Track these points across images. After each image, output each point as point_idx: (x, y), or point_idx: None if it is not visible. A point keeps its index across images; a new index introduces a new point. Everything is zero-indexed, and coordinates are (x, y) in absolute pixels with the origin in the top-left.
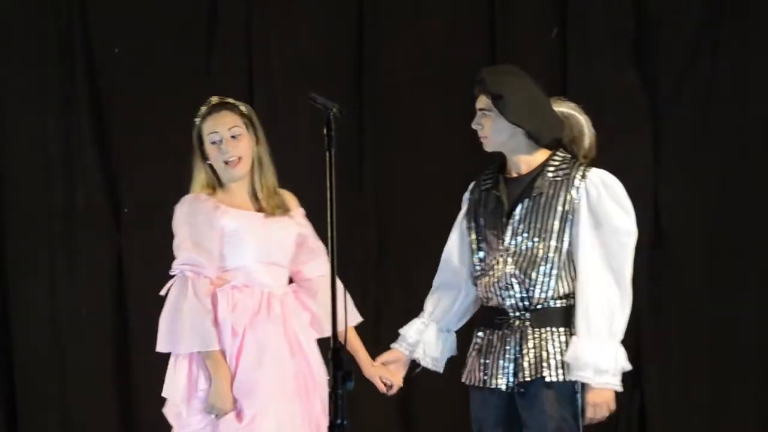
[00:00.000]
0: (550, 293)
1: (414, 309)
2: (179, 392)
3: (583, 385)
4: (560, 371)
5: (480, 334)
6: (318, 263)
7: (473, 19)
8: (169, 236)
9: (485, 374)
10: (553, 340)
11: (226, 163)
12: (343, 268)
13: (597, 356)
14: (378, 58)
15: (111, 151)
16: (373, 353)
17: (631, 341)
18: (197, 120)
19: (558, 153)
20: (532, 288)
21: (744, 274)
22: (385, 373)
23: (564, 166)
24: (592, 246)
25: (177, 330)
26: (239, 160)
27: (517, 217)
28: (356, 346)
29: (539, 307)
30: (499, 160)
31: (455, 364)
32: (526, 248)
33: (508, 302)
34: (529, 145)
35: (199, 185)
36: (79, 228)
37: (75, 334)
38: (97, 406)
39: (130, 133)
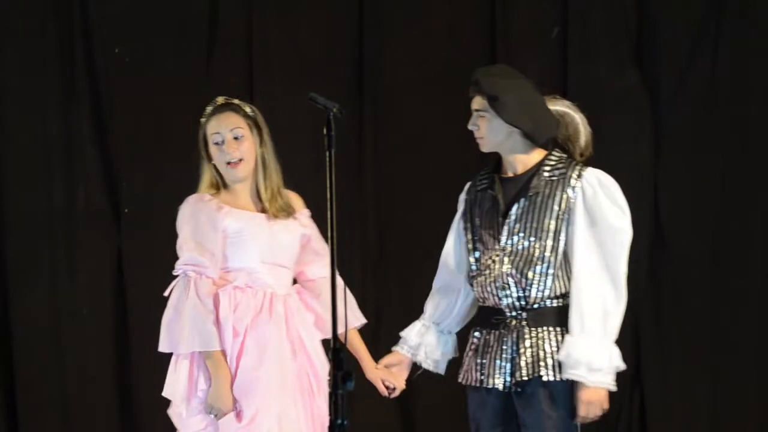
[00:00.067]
0: (546, 293)
1: (414, 309)
2: (179, 392)
3: (574, 383)
4: (557, 370)
5: (476, 334)
6: (322, 264)
7: (473, 19)
8: (169, 236)
9: (482, 374)
10: (549, 340)
11: (228, 164)
12: (343, 268)
13: (591, 355)
14: (378, 58)
15: (111, 151)
16: (373, 353)
17: (631, 341)
18: (203, 120)
19: (554, 153)
20: (528, 287)
21: (744, 274)
22: (388, 376)
23: (560, 165)
24: (587, 245)
25: (178, 330)
26: (241, 161)
27: (513, 217)
28: (359, 348)
29: (536, 306)
30: (494, 160)
31: (456, 364)
32: (523, 248)
33: (504, 302)
34: (526, 145)
35: (204, 185)
36: (79, 228)
37: (75, 334)
38: (97, 406)
39: (130, 133)
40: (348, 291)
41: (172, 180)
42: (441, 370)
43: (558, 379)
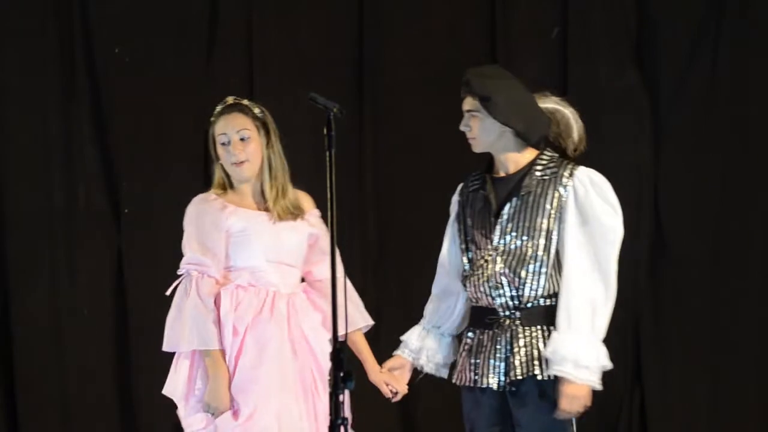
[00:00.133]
0: (540, 291)
1: (414, 309)
2: (178, 390)
3: (558, 378)
4: None
5: (470, 334)
6: (329, 264)
7: (473, 19)
8: (169, 236)
9: (476, 374)
10: (544, 339)
11: (234, 164)
12: (343, 267)
13: (577, 351)
14: (378, 58)
15: (111, 151)
16: (373, 352)
17: (631, 341)
18: (212, 119)
19: (546, 152)
20: (521, 287)
21: (744, 274)
22: (391, 379)
23: (552, 164)
24: (578, 243)
25: (179, 329)
26: (247, 162)
27: (505, 216)
28: (363, 350)
29: (529, 305)
30: (486, 161)
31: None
32: (515, 247)
33: (498, 301)
34: (518, 144)
35: (214, 184)
36: (79, 228)
37: (75, 334)
38: (97, 406)
39: (130, 133)
40: (355, 292)
41: (172, 180)
42: (443, 373)
43: (553, 377)
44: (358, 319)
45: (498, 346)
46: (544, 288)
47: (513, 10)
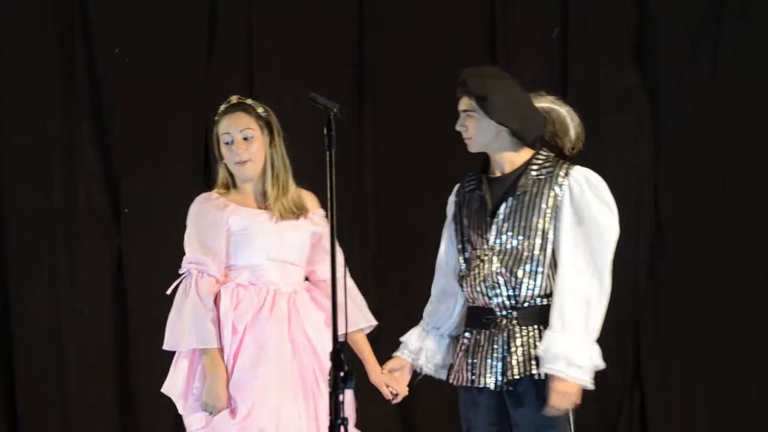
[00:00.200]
0: (536, 291)
1: (414, 309)
2: (177, 389)
3: (549, 376)
4: None
5: (467, 334)
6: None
7: (473, 19)
8: (169, 236)
9: (473, 374)
10: (541, 338)
11: (237, 163)
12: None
13: (570, 350)
14: (378, 58)
15: (111, 151)
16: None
17: (631, 341)
18: (216, 119)
19: (542, 152)
20: (518, 286)
21: (744, 274)
22: (391, 381)
23: (548, 164)
24: (573, 242)
25: (178, 328)
26: (249, 161)
27: (501, 216)
28: (364, 350)
29: (526, 305)
30: (482, 161)
31: None
32: (512, 247)
33: (494, 301)
34: (514, 144)
35: (219, 183)
36: (79, 228)
37: (75, 334)
38: (97, 406)
39: (130, 133)
40: (358, 292)
41: (172, 180)
42: (442, 374)
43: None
44: (359, 319)
45: (495, 346)
46: (540, 287)
47: (513, 10)
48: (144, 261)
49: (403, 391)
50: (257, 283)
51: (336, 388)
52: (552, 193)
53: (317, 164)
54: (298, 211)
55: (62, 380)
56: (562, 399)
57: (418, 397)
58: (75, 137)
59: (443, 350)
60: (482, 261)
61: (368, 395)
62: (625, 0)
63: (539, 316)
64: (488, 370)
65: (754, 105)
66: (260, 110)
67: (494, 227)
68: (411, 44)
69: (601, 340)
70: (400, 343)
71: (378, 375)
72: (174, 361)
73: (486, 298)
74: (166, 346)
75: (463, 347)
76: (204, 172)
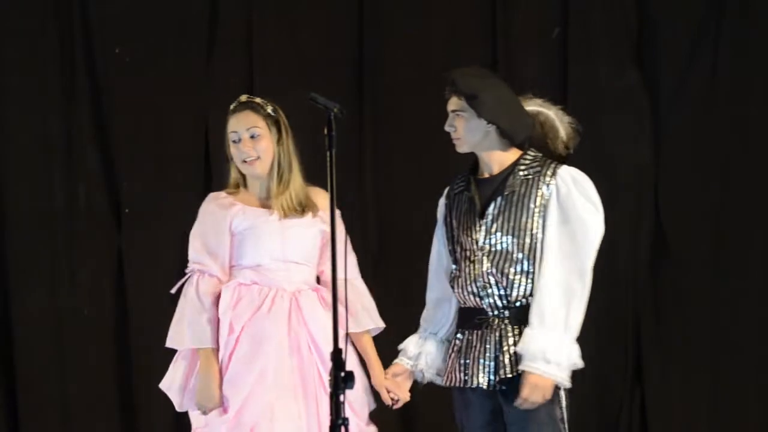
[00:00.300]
0: (527, 290)
1: (414, 309)
2: (175, 386)
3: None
4: None
5: (459, 335)
6: (342, 264)
7: (473, 19)
8: (169, 236)
9: (465, 374)
10: None
11: (244, 161)
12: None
13: (547, 348)
14: (378, 58)
15: (111, 151)
16: None
17: (631, 341)
18: (227, 118)
19: (529, 152)
20: (509, 286)
21: (744, 274)
22: (394, 386)
23: (535, 164)
24: (558, 240)
25: (177, 327)
26: (257, 159)
27: (490, 217)
28: (369, 353)
29: (518, 304)
30: (471, 162)
31: None
32: (501, 247)
33: (486, 301)
34: (502, 144)
35: (230, 183)
36: (79, 228)
37: (76, 334)
38: (98, 406)
39: (130, 133)
40: (367, 293)
41: (172, 180)
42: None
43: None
44: (366, 320)
45: (488, 346)
46: (531, 286)
47: (513, 10)
48: (144, 261)
49: (405, 396)
50: (260, 282)
51: (336, 388)
52: (540, 193)
53: (317, 164)
54: (302, 208)
55: (62, 380)
56: (534, 392)
57: (417, 391)
58: (75, 137)
59: (443, 355)
60: (472, 262)
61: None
62: (625, 0)
63: None
64: (481, 370)
65: (754, 105)
66: (269, 108)
67: (483, 228)
68: (411, 44)
69: (601, 340)
70: (400, 341)
71: (380, 379)
72: (174, 359)
73: (477, 299)
74: (167, 344)
75: (455, 348)
76: (204, 172)
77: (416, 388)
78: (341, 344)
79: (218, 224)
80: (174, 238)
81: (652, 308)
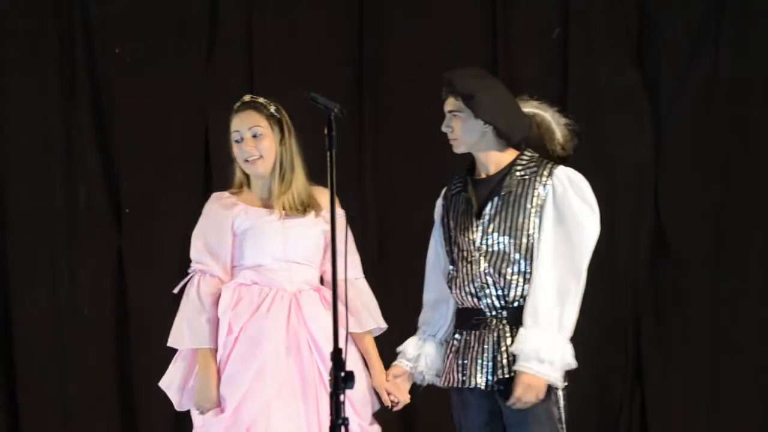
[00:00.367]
0: (525, 290)
1: (414, 309)
2: (174, 385)
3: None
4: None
5: (457, 336)
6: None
7: (473, 19)
8: (169, 236)
9: (463, 375)
10: None
11: (246, 161)
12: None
13: (541, 348)
14: (378, 58)
15: (111, 151)
16: None
17: (631, 341)
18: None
19: (526, 152)
20: (507, 286)
21: (744, 274)
22: (394, 388)
23: (532, 164)
24: (554, 241)
25: (177, 327)
26: (260, 158)
27: (487, 217)
28: (370, 353)
29: (515, 304)
30: (468, 163)
31: None
32: (499, 247)
33: (483, 302)
34: (499, 144)
35: (234, 183)
36: (79, 228)
37: (76, 335)
38: (98, 406)
39: (130, 133)
40: (370, 294)
41: (172, 180)
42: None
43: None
44: (368, 320)
45: (486, 346)
46: (529, 287)
47: (513, 10)
48: (144, 261)
49: (405, 398)
50: (260, 282)
51: (336, 388)
52: (536, 193)
53: (317, 164)
54: (303, 207)
55: (62, 380)
56: (527, 392)
57: (417, 392)
58: (75, 137)
59: (442, 356)
60: (470, 262)
61: None
62: (625, 0)
63: None
64: (479, 370)
65: (754, 105)
66: (272, 108)
67: (480, 228)
68: (411, 44)
69: (601, 340)
70: (400, 341)
71: (381, 380)
72: (174, 358)
73: (475, 299)
74: (168, 344)
75: (453, 349)
76: (204, 172)
77: (416, 388)
78: (341, 344)
79: (220, 224)
80: (174, 238)
81: (652, 308)
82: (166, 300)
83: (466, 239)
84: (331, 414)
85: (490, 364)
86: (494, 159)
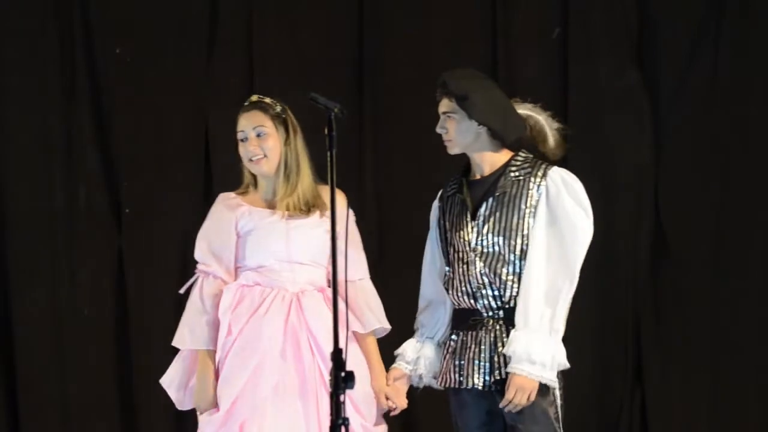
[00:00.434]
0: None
1: (414, 309)
2: (175, 383)
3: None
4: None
5: (453, 336)
6: (351, 267)
7: (473, 19)
8: (169, 236)
9: (460, 375)
10: None
11: (250, 160)
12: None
13: (532, 349)
14: (378, 58)
15: (111, 151)
16: None
17: (631, 341)
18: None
19: (520, 153)
20: (503, 287)
21: (744, 274)
22: (393, 393)
23: (526, 165)
24: (546, 242)
25: (180, 327)
26: (264, 158)
27: (481, 218)
28: (371, 355)
29: (512, 305)
30: (463, 164)
31: None
32: (494, 248)
33: (480, 303)
34: (494, 145)
35: (243, 184)
36: (79, 228)
37: (76, 335)
38: (98, 406)
39: (130, 133)
40: (374, 295)
41: (172, 180)
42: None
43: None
44: (371, 321)
45: (482, 347)
46: None
47: (513, 10)
48: (144, 261)
49: (402, 404)
50: (262, 283)
51: (336, 388)
52: (530, 194)
53: (317, 164)
54: (307, 208)
55: (62, 380)
56: (519, 394)
57: (417, 392)
58: (75, 137)
59: (441, 358)
60: (466, 263)
61: None
62: (625, 0)
63: None
64: (476, 371)
65: (754, 105)
66: (278, 108)
67: (475, 229)
68: (411, 44)
69: (601, 340)
70: (399, 341)
71: (381, 384)
72: (176, 357)
73: (471, 300)
74: (172, 343)
75: (450, 350)
76: (204, 172)
77: (414, 390)
78: (342, 344)
79: (224, 225)
80: (174, 238)
81: (652, 308)
82: (166, 300)
83: (462, 240)
84: (332, 414)
85: (487, 364)
86: (489, 160)
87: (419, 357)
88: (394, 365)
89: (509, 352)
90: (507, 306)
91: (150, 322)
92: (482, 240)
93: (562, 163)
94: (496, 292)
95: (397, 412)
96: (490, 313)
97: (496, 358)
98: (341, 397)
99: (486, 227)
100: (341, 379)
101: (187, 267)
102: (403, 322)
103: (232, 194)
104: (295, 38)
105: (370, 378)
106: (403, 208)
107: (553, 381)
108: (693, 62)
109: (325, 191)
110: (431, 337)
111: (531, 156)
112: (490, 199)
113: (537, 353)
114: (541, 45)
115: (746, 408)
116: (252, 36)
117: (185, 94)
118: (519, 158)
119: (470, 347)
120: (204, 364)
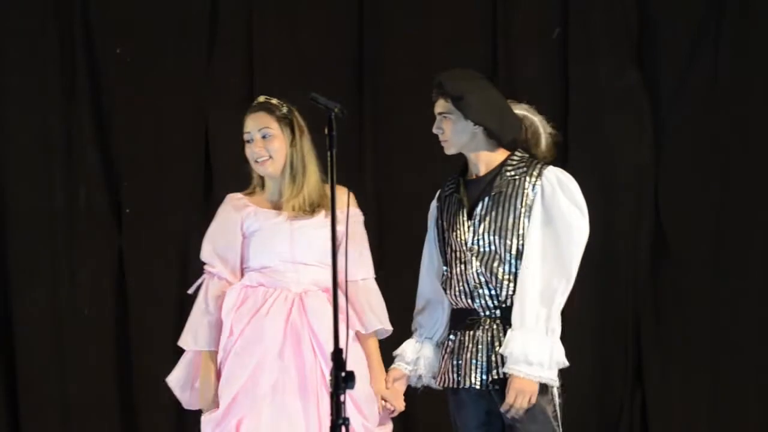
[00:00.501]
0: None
1: (413, 310)
2: (179, 383)
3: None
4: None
5: (451, 336)
6: (356, 267)
7: (473, 19)
8: (169, 236)
9: (458, 375)
10: None
11: (256, 161)
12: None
13: (529, 349)
14: (378, 58)
15: (111, 151)
16: None
17: (631, 341)
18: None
19: (516, 153)
20: (499, 286)
21: (744, 274)
22: (392, 396)
23: (522, 164)
24: (542, 241)
25: (185, 328)
26: (269, 159)
27: (477, 217)
28: (373, 356)
29: (509, 304)
30: (461, 164)
31: None
32: (490, 247)
33: (477, 302)
34: (490, 145)
35: (251, 185)
36: (79, 228)
37: (76, 335)
38: (98, 406)
39: (130, 133)
40: (378, 296)
41: (172, 180)
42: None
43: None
44: (373, 322)
45: (480, 346)
46: None
47: (513, 10)
48: (144, 261)
49: (400, 406)
50: (266, 284)
51: (336, 388)
52: (526, 193)
53: (317, 164)
54: (312, 208)
55: (62, 380)
56: (520, 397)
57: (419, 406)
58: (75, 137)
59: (440, 358)
60: (463, 263)
61: None
62: (625, 0)
63: None
64: (473, 370)
65: (754, 105)
66: (284, 110)
67: (471, 229)
68: (411, 44)
69: (601, 340)
70: (398, 341)
71: (380, 386)
72: (182, 357)
73: (469, 300)
74: (178, 343)
75: (448, 349)
76: (204, 172)
77: (413, 391)
78: (342, 344)
79: (230, 226)
80: (174, 238)
81: (652, 308)
82: (166, 300)
83: (459, 240)
84: (332, 414)
85: (485, 363)
86: (485, 159)
87: (419, 357)
88: (393, 365)
89: (506, 353)
90: (504, 305)
91: (150, 322)
92: (479, 239)
93: (562, 162)
94: (493, 292)
95: (394, 414)
96: (487, 313)
97: (493, 358)
98: (341, 397)
99: (482, 227)
100: (341, 379)
101: (187, 267)
102: (403, 321)
103: (239, 195)
104: (295, 38)
105: (371, 378)
106: (403, 208)
107: (552, 380)
108: (693, 62)
109: (329, 191)
110: (430, 338)
111: (527, 155)
112: (486, 199)
113: (534, 353)
114: (541, 45)
115: (746, 408)
116: (252, 36)
117: (185, 94)
118: (515, 158)
119: (468, 347)
120: (206, 365)
